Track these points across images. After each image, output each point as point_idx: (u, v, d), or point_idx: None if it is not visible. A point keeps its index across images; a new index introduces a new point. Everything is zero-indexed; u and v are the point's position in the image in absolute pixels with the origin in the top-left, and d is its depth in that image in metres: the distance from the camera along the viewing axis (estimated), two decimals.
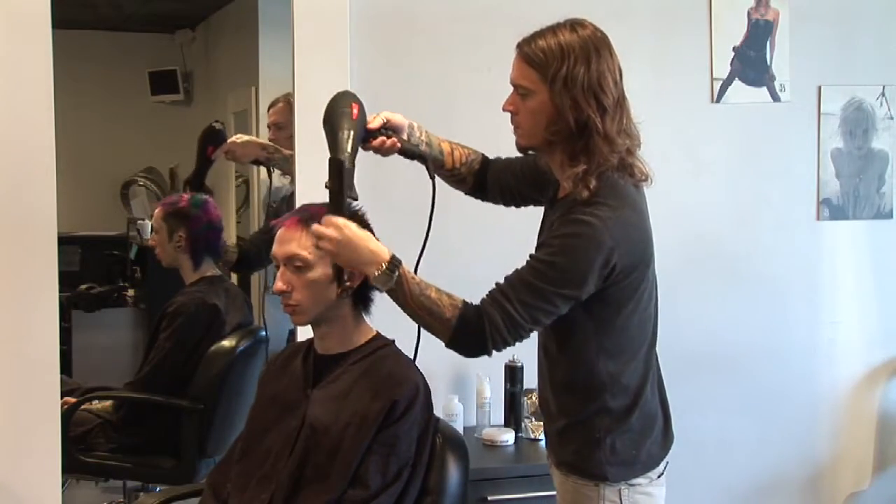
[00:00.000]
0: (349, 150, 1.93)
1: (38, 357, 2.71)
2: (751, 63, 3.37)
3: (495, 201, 2.31)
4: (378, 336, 2.14)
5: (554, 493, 2.17)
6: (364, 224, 2.05)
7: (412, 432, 2.01)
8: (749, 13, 3.36)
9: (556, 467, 2.11)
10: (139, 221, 6.28)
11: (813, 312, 3.49)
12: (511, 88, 1.98)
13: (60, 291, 2.76)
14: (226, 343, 3.36)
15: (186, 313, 3.37)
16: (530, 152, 2.05)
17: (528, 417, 3.02)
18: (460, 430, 2.86)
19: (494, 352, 1.90)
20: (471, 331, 1.87)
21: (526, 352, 2.28)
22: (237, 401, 3.33)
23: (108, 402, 3.45)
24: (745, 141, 3.39)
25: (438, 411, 2.25)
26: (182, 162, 6.93)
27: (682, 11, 3.31)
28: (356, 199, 1.95)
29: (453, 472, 2.08)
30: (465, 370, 3.08)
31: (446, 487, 2.06)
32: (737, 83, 3.35)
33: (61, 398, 2.88)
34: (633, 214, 1.95)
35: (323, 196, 2.00)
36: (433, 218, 2.03)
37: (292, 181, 3.28)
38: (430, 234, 2.05)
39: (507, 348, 1.91)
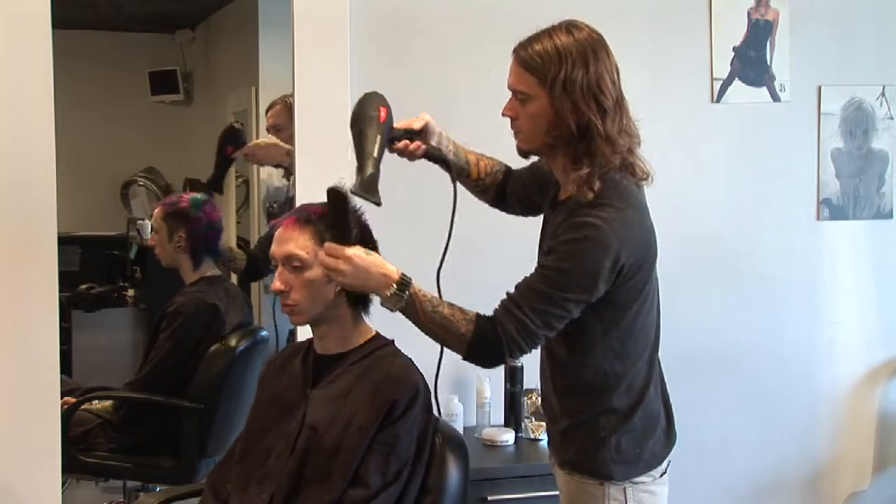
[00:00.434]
0: (375, 154, 1.94)
1: (38, 357, 2.71)
2: (751, 63, 3.37)
3: (515, 212, 2.32)
4: (378, 336, 2.14)
5: (554, 493, 2.17)
6: (363, 227, 2.05)
7: (412, 432, 2.01)
8: (749, 13, 3.36)
9: (559, 467, 2.11)
10: (139, 221, 6.27)
11: (813, 312, 3.49)
12: (510, 93, 1.98)
13: (60, 291, 2.76)
14: (226, 343, 3.36)
15: (186, 313, 3.37)
16: (532, 157, 2.05)
17: (528, 417, 3.02)
18: (460, 430, 2.86)
19: (507, 362, 1.94)
20: (487, 343, 1.89)
21: None
22: (237, 401, 3.33)
23: (108, 402, 3.45)
24: (745, 141, 3.39)
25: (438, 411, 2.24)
26: (182, 162, 6.94)
27: (682, 11, 3.31)
28: (379, 205, 1.94)
29: (453, 472, 2.08)
30: (465, 370, 3.07)
31: (446, 487, 2.06)
32: (737, 83, 3.35)
33: (61, 398, 2.88)
34: (637, 214, 1.95)
35: (321, 196, 2.01)
36: (454, 224, 2.02)
37: (293, 182, 3.28)
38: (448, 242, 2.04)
39: (517, 357, 1.93)
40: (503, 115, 1.98)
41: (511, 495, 2.75)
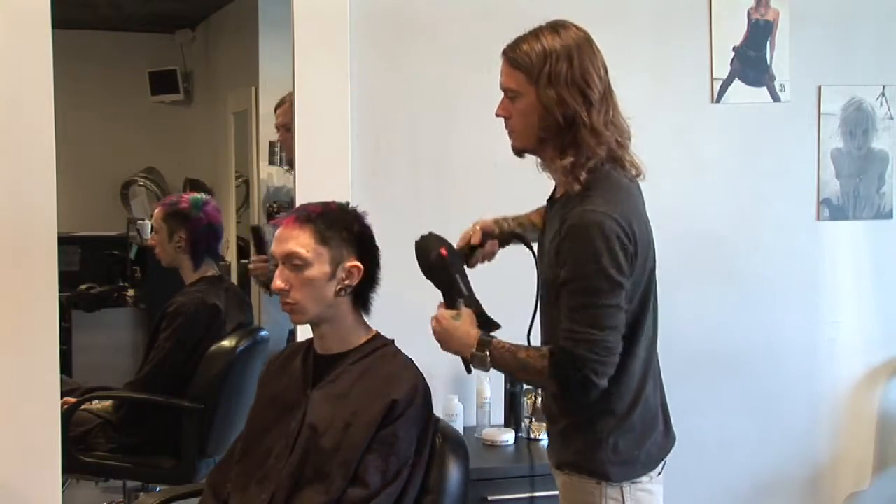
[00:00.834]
0: (467, 292, 2.07)
1: (38, 357, 2.71)
2: (751, 63, 3.36)
3: None
4: (378, 336, 2.14)
5: (554, 493, 2.17)
6: (363, 228, 2.09)
7: (412, 432, 2.01)
8: (749, 13, 3.36)
9: (557, 469, 2.11)
10: (139, 221, 6.29)
11: (813, 312, 3.49)
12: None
13: (60, 291, 2.76)
14: (226, 343, 3.36)
15: (186, 313, 3.37)
16: (526, 154, 2.07)
17: (528, 417, 3.02)
18: (460, 430, 2.86)
19: (605, 381, 1.90)
20: (566, 369, 1.90)
21: None
22: (237, 401, 3.33)
23: (108, 402, 3.45)
24: (745, 141, 3.39)
25: (438, 411, 2.25)
26: (182, 162, 6.95)
27: (682, 12, 3.31)
28: (499, 327, 2.06)
29: (453, 472, 2.08)
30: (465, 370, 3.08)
31: (446, 487, 2.06)
32: (737, 83, 3.35)
33: (61, 398, 2.88)
34: (629, 202, 1.97)
35: (321, 196, 2.01)
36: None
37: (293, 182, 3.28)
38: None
39: (612, 370, 1.91)
40: (497, 115, 2.02)
41: (511, 495, 2.75)
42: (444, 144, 3.11)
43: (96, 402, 3.44)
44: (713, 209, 3.37)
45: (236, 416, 3.26)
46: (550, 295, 1.98)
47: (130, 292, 6.16)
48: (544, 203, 2.15)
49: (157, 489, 3.19)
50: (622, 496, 1.99)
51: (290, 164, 3.68)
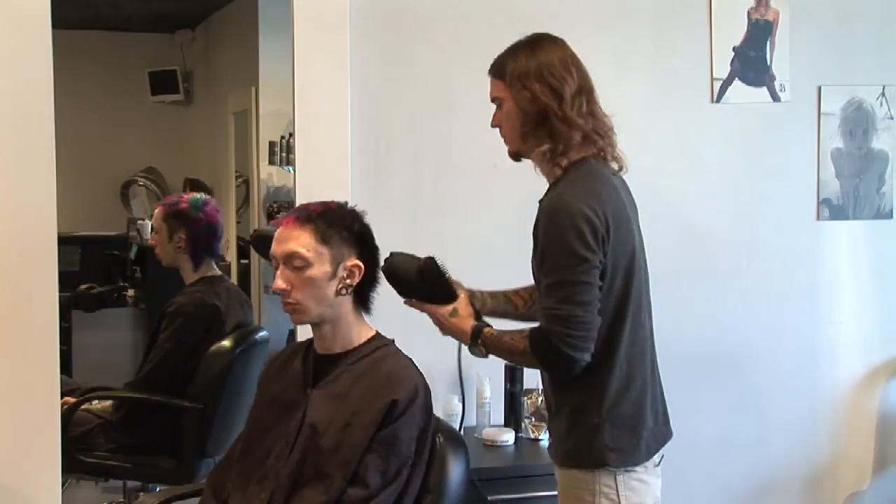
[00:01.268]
0: (454, 288, 2.17)
1: (38, 357, 2.71)
2: (751, 63, 3.36)
3: None
4: (378, 336, 2.14)
5: (554, 493, 2.18)
6: (364, 227, 2.10)
7: (412, 432, 2.01)
8: (749, 13, 3.36)
9: (558, 465, 2.13)
10: (139, 221, 6.29)
11: (813, 312, 3.49)
12: None
13: (60, 291, 2.76)
14: (226, 343, 3.36)
15: (186, 313, 3.37)
16: (522, 158, 2.15)
17: (528, 417, 3.02)
18: (460, 430, 2.85)
19: (585, 356, 1.97)
20: (544, 346, 1.98)
21: None
22: (237, 401, 3.33)
23: (108, 402, 3.45)
24: (745, 141, 3.39)
25: (438, 411, 2.25)
26: (182, 162, 6.95)
27: (682, 12, 3.31)
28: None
29: (453, 472, 2.08)
30: (465, 370, 3.07)
31: (446, 487, 2.06)
32: (737, 83, 3.35)
33: (61, 398, 2.87)
34: (605, 188, 2.03)
35: (321, 196, 2.01)
36: None
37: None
38: None
39: (589, 344, 1.97)
40: (491, 126, 2.15)
41: (511, 495, 2.75)
42: (443, 144, 3.11)
43: (96, 402, 3.44)
44: (713, 209, 3.37)
45: (236, 416, 3.26)
46: (540, 288, 2.04)
47: (130, 292, 6.16)
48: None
49: (157, 489, 3.19)
50: (615, 485, 2.02)
51: None
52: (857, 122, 3.49)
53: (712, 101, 3.34)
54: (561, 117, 2.03)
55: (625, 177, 2.14)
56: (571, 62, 2.07)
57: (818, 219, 3.48)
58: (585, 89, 2.06)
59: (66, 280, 3.61)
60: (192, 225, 3.43)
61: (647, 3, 3.27)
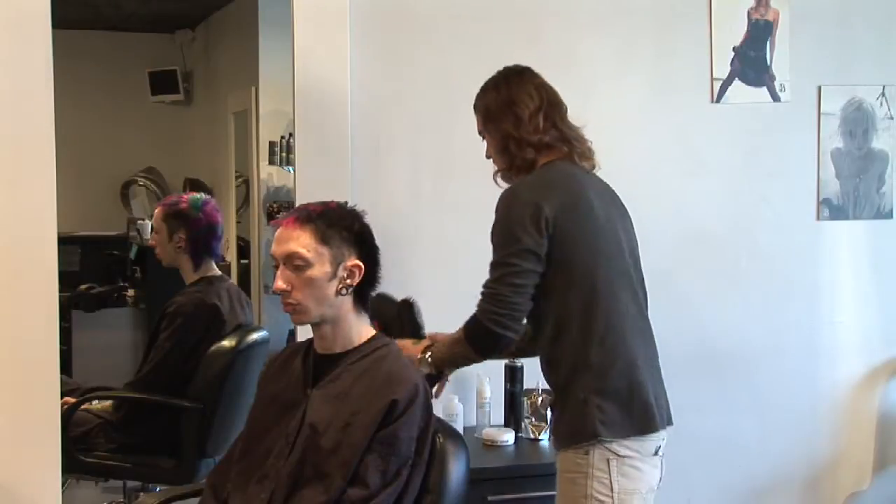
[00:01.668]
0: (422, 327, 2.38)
1: (38, 357, 2.71)
2: (751, 63, 3.37)
3: None
4: (378, 336, 2.14)
5: (554, 493, 2.18)
6: (363, 227, 2.11)
7: (411, 432, 2.01)
8: (749, 13, 3.36)
9: (556, 450, 2.19)
10: (139, 221, 6.29)
11: (813, 312, 3.49)
12: None
13: (60, 291, 2.75)
14: (226, 343, 3.36)
15: (186, 313, 3.37)
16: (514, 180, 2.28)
17: (528, 417, 3.02)
18: (460, 430, 2.85)
19: (508, 333, 2.10)
20: (472, 327, 2.14)
21: None
22: (237, 401, 3.32)
23: (108, 402, 3.45)
24: (745, 141, 3.39)
25: (438, 411, 2.25)
26: (182, 162, 6.95)
27: (682, 11, 3.31)
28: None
29: (453, 472, 2.08)
30: (465, 370, 3.08)
31: (446, 487, 2.06)
32: (737, 83, 3.35)
33: (61, 398, 2.87)
34: (558, 180, 2.18)
35: (321, 196, 2.01)
36: None
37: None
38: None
39: (513, 323, 2.10)
40: (486, 157, 2.32)
41: (511, 495, 2.75)
42: (443, 144, 3.11)
43: (96, 402, 3.43)
44: (713, 209, 3.37)
45: (236, 416, 3.26)
46: None
47: (130, 292, 6.16)
48: None
49: (157, 489, 3.19)
50: (608, 469, 2.07)
51: None
52: (857, 122, 3.49)
53: (712, 101, 3.34)
54: (516, 138, 2.21)
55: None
56: (534, 87, 2.25)
57: (818, 219, 3.48)
58: (546, 106, 2.23)
59: (66, 280, 3.61)
60: (192, 225, 3.42)
61: (647, 2, 3.27)
